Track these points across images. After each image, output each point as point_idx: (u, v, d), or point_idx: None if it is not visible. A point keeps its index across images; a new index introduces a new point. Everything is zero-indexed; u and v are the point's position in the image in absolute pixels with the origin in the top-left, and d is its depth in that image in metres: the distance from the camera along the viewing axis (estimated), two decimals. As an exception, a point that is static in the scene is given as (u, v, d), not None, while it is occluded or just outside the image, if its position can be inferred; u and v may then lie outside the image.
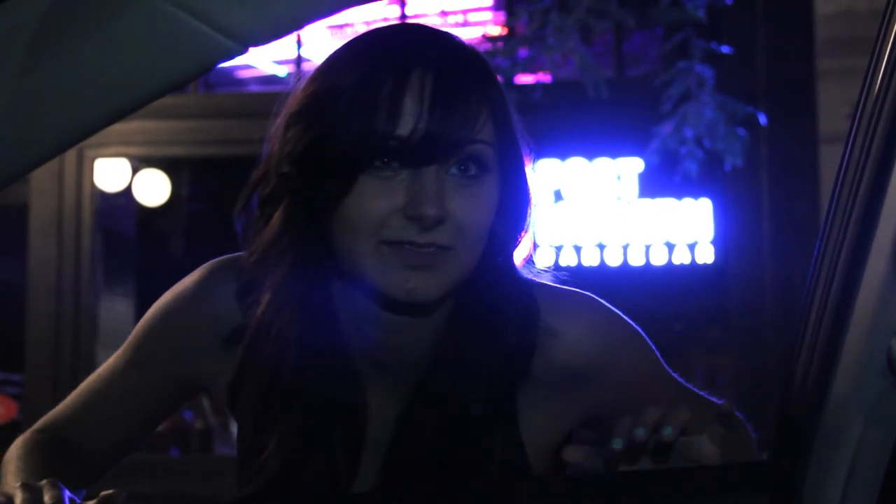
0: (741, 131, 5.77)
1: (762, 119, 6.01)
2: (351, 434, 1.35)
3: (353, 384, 1.35)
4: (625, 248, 7.31)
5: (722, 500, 1.20)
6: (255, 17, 0.78)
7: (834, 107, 6.65)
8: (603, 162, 7.24)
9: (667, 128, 5.76)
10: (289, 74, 7.68)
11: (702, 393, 1.44)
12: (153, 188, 8.03)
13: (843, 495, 1.13)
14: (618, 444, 1.17)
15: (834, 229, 1.11)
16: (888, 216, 1.05)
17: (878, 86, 1.06)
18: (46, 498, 1.20)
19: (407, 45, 1.30)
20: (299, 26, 0.81)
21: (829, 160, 6.60)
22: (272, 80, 7.78)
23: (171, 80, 0.80)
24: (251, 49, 0.81)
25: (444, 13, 7.62)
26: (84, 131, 0.83)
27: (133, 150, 7.66)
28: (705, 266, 7.29)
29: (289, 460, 1.33)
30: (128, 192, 7.89)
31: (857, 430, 1.11)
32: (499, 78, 1.36)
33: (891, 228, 1.05)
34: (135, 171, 7.90)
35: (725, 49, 5.93)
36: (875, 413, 1.11)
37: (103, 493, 1.24)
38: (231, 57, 0.80)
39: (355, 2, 0.82)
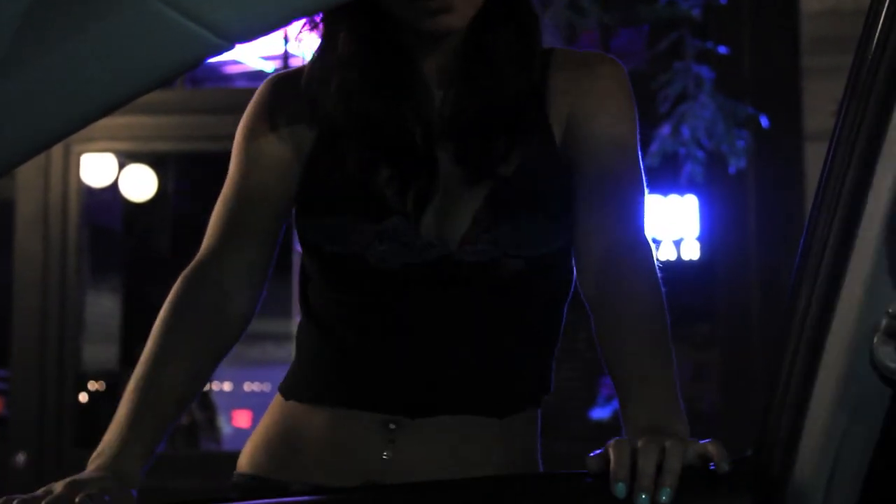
0: (743, 132, 5.77)
1: (764, 121, 6.02)
2: (418, 108, 1.53)
3: (413, 70, 1.54)
4: (611, 244, 7.30)
5: (707, 496, 1.21)
6: (241, 13, 0.78)
7: (820, 104, 6.67)
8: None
9: (665, 129, 5.75)
10: (275, 70, 7.67)
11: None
12: (140, 183, 8.01)
13: (827, 490, 1.14)
14: (620, 491, 1.19)
15: (819, 226, 1.12)
16: (872, 213, 1.05)
17: (862, 83, 1.06)
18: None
19: None
20: (286, 23, 0.81)
21: (815, 158, 6.62)
22: (259, 75, 7.77)
23: (156, 77, 0.80)
24: (238, 45, 0.81)
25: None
26: (70, 127, 0.83)
27: (119, 146, 7.65)
28: (691, 262, 7.31)
29: (369, 157, 1.52)
30: (114, 187, 7.88)
31: (842, 426, 1.12)
32: None
33: (874, 226, 1.05)
34: (121, 166, 7.89)
35: (722, 49, 5.94)
36: (859, 408, 1.12)
37: None
38: (217, 53, 0.80)
39: (342, -2, 0.82)
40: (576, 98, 1.56)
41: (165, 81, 0.81)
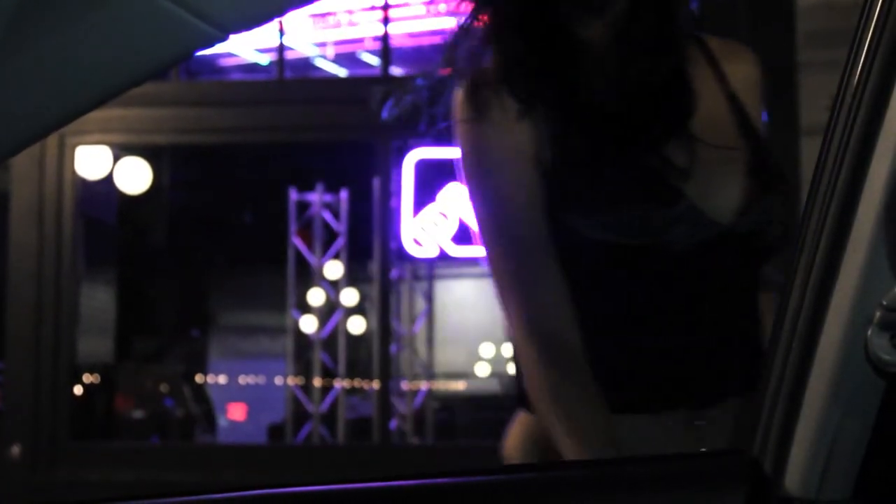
0: None
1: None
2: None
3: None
4: (606, 238, 7.30)
5: (700, 490, 1.21)
6: (236, 3, 0.78)
7: (815, 99, 6.67)
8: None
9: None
10: (270, 62, 7.66)
11: None
12: (134, 176, 8.01)
13: (820, 483, 1.14)
14: None
15: (812, 221, 1.12)
16: (865, 208, 1.05)
17: (856, 77, 1.06)
18: None
19: None
20: (281, 13, 0.81)
21: (810, 152, 6.62)
22: (254, 68, 7.76)
23: (150, 67, 0.80)
24: (232, 36, 0.81)
25: (429, 1, 7.62)
26: (63, 118, 0.83)
27: (114, 138, 7.64)
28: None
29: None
30: (109, 179, 7.88)
31: (836, 420, 1.12)
32: None
33: (868, 221, 1.05)
34: (116, 158, 7.89)
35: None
36: (853, 402, 1.12)
37: None
38: (212, 44, 0.80)
39: (337, -11, 0.82)
40: (746, 100, 1.73)
41: (160, 72, 0.81)
